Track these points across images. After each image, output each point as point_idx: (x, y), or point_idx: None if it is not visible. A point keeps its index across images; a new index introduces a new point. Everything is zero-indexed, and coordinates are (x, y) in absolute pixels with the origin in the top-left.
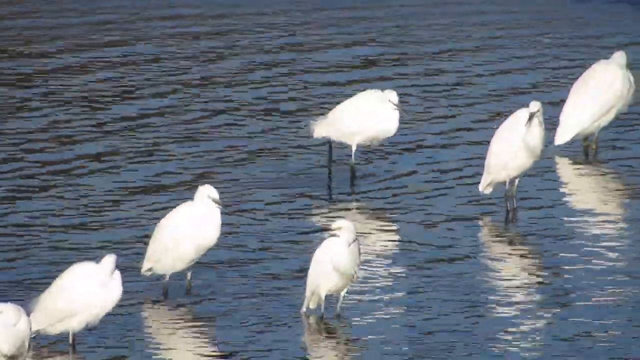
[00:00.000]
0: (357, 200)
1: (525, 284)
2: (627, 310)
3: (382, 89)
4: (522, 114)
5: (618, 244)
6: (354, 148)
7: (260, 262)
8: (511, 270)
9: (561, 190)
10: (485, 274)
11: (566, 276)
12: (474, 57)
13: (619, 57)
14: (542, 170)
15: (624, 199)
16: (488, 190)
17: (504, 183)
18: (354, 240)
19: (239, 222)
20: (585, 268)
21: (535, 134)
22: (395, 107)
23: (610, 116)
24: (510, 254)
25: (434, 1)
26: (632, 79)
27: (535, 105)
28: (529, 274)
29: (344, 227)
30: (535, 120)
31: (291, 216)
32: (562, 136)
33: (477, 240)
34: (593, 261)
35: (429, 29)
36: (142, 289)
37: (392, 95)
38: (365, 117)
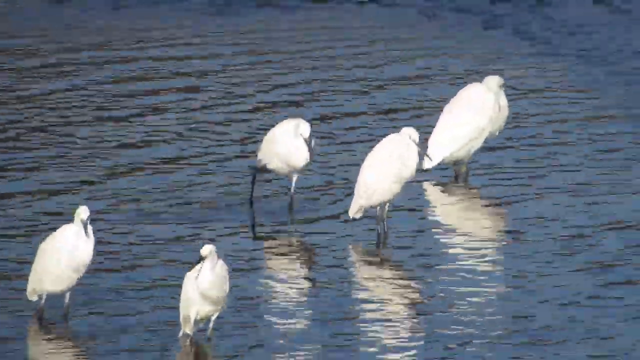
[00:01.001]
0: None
1: (396, 302)
2: (496, 329)
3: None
4: (394, 138)
5: (489, 266)
6: (292, 179)
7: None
8: (382, 294)
9: (431, 214)
10: (356, 296)
11: (439, 297)
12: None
13: (491, 80)
14: (412, 194)
15: (495, 222)
16: (358, 215)
17: (375, 207)
18: (216, 263)
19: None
20: (458, 291)
21: (412, 159)
22: (305, 140)
23: (481, 140)
24: (381, 278)
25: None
26: (503, 102)
27: (412, 131)
28: (401, 297)
29: (210, 252)
30: (413, 145)
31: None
32: (431, 159)
33: (351, 264)
34: (466, 284)
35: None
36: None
37: (305, 128)
38: (277, 147)
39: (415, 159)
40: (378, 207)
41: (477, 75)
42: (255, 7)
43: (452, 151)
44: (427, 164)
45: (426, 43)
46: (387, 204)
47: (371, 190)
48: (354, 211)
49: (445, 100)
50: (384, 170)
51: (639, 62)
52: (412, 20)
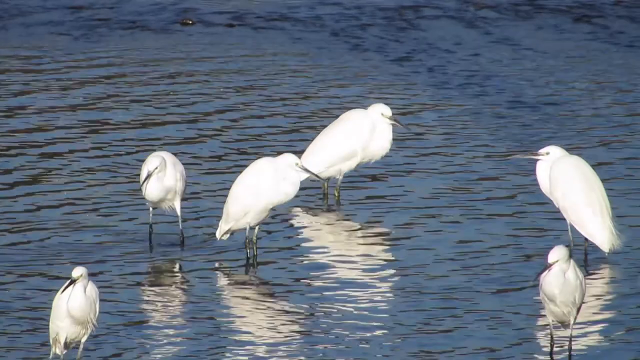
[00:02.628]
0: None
1: (268, 327)
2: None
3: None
4: (264, 162)
5: (360, 291)
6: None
7: None
8: (253, 322)
9: (302, 235)
10: (229, 323)
11: (313, 317)
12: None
13: (376, 107)
14: (283, 214)
15: (365, 243)
16: (225, 237)
17: (243, 230)
18: (87, 286)
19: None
20: (334, 315)
21: (294, 180)
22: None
23: (353, 163)
24: (252, 299)
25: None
26: (385, 133)
27: (293, 157)
28: (271, 323)
29: (81, 274)
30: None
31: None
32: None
33: (220, 292)
34: (341, 306)
35: None
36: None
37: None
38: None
39: (273, 187)
40: (247, 230)
41: (345, 98)
42: (123, 29)
43: (319, 170)
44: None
45: (294, 65)
46: (257, 227)
47: (242, 211)
48: (221, 233)
49: (315, 122)
50: (259, 192)
51: (503, 82)
52: (281, 42)
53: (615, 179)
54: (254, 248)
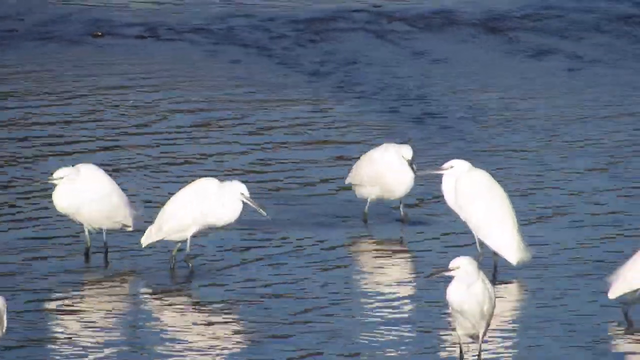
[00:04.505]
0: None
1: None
2: None
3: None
4: (208, 182)
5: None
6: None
7: None
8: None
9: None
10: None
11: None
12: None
13: (399, 148)
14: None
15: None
16: (150, 245)
17: (176, 243)
18: None
19: None
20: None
21: (236, 208)
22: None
23: (368, 191)
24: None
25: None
26: (404, 173)
27: (241, 186)
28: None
29: None
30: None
31: None
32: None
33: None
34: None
35: None
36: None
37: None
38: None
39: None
40: (188, 243)
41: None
42: (36, 40)
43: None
44: None
45: (207, 78)
46: (189, 241)
47: (177, 227)
48: (147, 243)
49: (225, 133)
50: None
51: (415, 95)
52: (194, 55)
53: (517, 190)
54: (191, 263)
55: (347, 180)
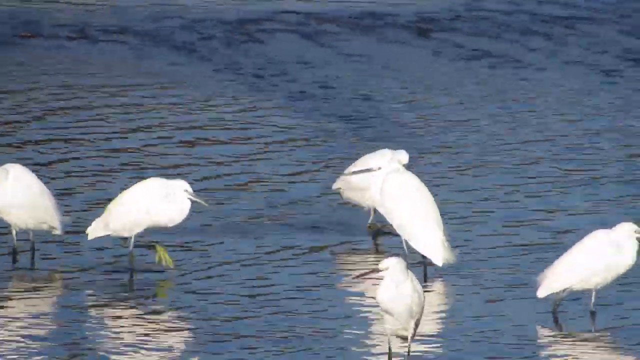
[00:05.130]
0: None
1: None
2: None
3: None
4: (154, 182)
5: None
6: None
7: None
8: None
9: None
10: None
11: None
12: None
13: (397, 155)
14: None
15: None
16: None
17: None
18: None
19: None
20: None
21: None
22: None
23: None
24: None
25: None
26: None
27: (185, 183)
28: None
29: None
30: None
31: None
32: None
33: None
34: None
35: None
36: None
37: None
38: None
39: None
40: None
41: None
42: None
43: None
44: None
45: (136, 80)
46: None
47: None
48: (94, 235)
49: (154, 134)
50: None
51: (344, 96)
52: (123, 56)
53: (443, 185)
54: (131, 259)
55: (336, 185)
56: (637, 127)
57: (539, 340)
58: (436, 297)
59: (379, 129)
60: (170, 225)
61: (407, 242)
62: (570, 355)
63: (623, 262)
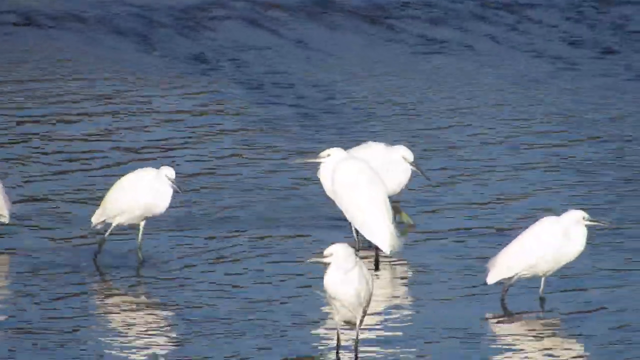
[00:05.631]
0: None
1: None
2: None
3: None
4: (144, 172)
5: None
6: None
7: None
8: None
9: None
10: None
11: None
12: None
13: (398, 150)
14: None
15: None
16: (100, 226)
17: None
18: None
19: None
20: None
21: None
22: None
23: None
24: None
25: None
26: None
27: (170, 170)
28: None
29: None
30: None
31: None
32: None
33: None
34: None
35: None
36: None
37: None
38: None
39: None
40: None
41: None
42: None
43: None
44: None
45: (89, 68)
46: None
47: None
48: (97, 222)
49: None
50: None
51: (293, 85)
52: (73, 44)
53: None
54: (138, 253)
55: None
56: (583, 111)
57: (487, 327)
58: (386, 283)
59: (328, 115)
60: (158, 211)
61: (356, 230)
62: (518, 341)
63: (572, 249)
